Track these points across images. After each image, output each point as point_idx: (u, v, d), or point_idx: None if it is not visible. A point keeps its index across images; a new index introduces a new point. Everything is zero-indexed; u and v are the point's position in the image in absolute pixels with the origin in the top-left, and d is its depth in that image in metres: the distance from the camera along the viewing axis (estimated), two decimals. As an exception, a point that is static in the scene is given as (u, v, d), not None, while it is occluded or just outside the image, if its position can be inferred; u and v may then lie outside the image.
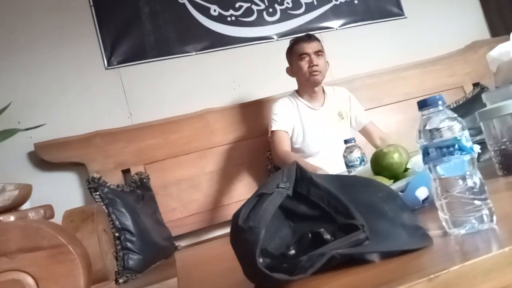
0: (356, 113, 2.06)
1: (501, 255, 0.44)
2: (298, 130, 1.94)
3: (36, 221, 1.09)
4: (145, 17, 2.25)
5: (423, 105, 0.57)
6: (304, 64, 1.89)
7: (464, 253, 0.49)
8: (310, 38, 1.92)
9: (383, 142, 1.99)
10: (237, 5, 2.39)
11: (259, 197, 0.57)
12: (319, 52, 1.91)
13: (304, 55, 1.90)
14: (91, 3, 2.18)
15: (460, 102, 2.40)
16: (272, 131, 1.92)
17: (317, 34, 2.12)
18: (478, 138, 1.27)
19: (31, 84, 2.05)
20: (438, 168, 0.55)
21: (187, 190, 2.07)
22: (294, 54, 1.94)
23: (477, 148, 0.86)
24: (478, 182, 0.54)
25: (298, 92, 2.02)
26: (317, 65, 1.88)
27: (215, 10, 2.36)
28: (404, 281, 0.42)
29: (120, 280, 1.55)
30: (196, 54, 2.31)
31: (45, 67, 2.08)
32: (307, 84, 1.95)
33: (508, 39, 1.22)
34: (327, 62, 1.98)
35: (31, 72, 2.06)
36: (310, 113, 1.97)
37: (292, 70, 1.98)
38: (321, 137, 1.95)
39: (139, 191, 1.90)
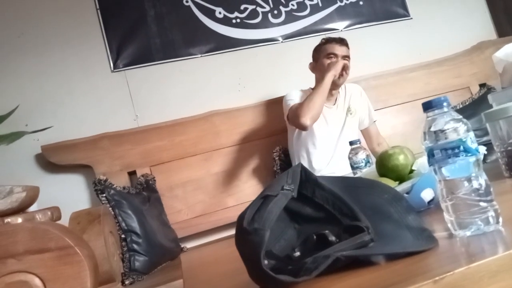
0: (364, 111, 2.07)
1: (507, 257, 0.44)
2: None
3: (43, 223, 1.10)
4: (151, 20, 2.26)
5: (428, 106, 0.57)
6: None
7: (469, 255, 0.49)
8: (342, 41, 1.95)
9: (380, 148, 2.00)
10: (242, 7, 2.40)
11: (264, 199, 0.57)
12: (346, 58, 1.94)
13: (332, 56, 1.92)
14: (97, 7, 2.20)
15: (467, 103, 2.38)
16: (290, 107, 1.90)
17: (322, 35, 2.12)
18: (484, 139, 1.27)
19: (38, 87, 2.07)
20: (443, 169, 0.55)
21: (192, 192, 2.08)
22: (322, 51, 1.95)
23: (482, 149, 0.86)
24: (483, 183, 0.54)
25: None
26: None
27: (220, 13, 2.37)
28: (409, 283, 0.42)
29: (126, 282, 1.56)
30: (201, 56, 2.31)
31: (52, 70, 2.10)
32: None
33: (515, 40, 1.21)
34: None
35: (38, 75, 2.08)
36: (323, 111, 1.98)
37: (316, 66, 1.99)
38: (330, 134, 1.97)
39: (145, 193, 1.91)
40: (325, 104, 1.99)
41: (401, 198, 0.65)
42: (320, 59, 1.95)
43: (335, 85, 1.94)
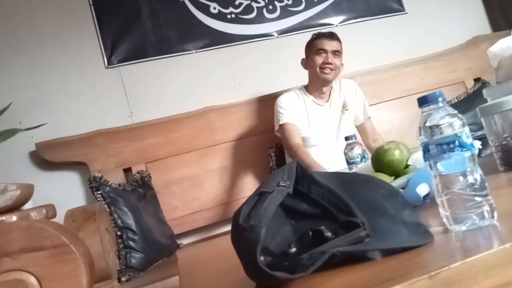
0: (359, 107, 2.07)
1: (502, 252, 0.44)
2: (303, 123, 1.95)
3: (38, 221, 1.09)
4: (145, 16, 2.24)
5: (423, 102, 0.57)
6: (319, 59, 1.91)
7: (465, 250, 0.49)
8: (332, 36, 1.94)
9: (376, 144, 2.00)
10: (236, 2, 2.39)
11: (259, 196, 0.57)
12: (337, 52, 1.93)
13: (322, 51, 1.91)
14: (91, 2, 2.18)
15: (461, 98, 2.39)
16: (281, 125, 1.92)
17: (316, 30, 2.11)
18: (479, 133, 1.27)
19: (32, 84, 2.05)
20: (438, 164, 0.55)
21: (188, 189, 2.08)
22: (312, 47, 1.95)
23: (477, 144, 0.86)
24: (478, 178, 0.54)
25: (307, 88, 2.03)
26: (331, 64, 1.90)
27: (214, 8, 2.35)
28: (405, 278, 0.42)
29: (123, 279, 1.56)
30: (196, 52, 2.30)
31: (46, 67, 2.08)
32: (317, 80, 1.96)
33: (509, 34, 1.21)
34: (342, 64, 1.98)
35: (32, 72, 2.06)
36: (316, 109, 1.98)
37: (307, 62, 1.99)
38: (325, 131, 1.97)
39: (140, 190, 1.90)
40: (317, 102, 1.99)
41: (396, 193, 0.65)
42: (311, 55, 1.95)
43: (325, 82, 1.94)
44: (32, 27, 2.09)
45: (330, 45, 1.91)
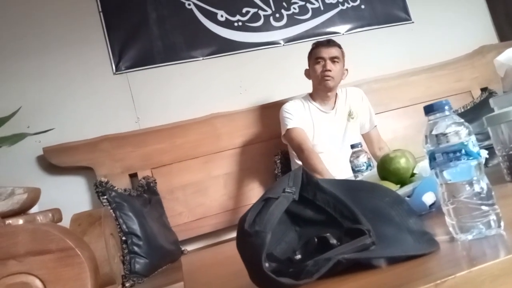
0: (366, 115, 2.07)
1: (508, 261, 0.44)
2: (309, 131, 1.95)
3: (44, 225, 1.10)
4: (153, 23, 2.26)
5: (429, 110, 0.57)
6: (318, 68, 1.92)
7: (471, 259, 0.49)
8: (329, 43, 1.94)
9: (382, 152, 2.00)
10: (244, 10, 2.41)
11: (265, 202, 0.57)
12: (335, 59, 1.92)
13: (320, 59, 1.92)
14: (100, 9, 2.21)
15: (468, 107, 2.38)
16: (288, 129, 1.91)
17: (323, 39, 2.12)
18: (486, 143, 1.27)
19: (40, 89, 2.07)
20: (444, 173, 0.55)
21: (193, 195, 2.08)
22: (312, 57, 1.97)
23: (484, 153, 0.86)
24: (485, 187, 0.54)
25: (312, 96, 2.03)
26: (329, 71, 1.90)
27: (222, 16, 2.37)
28: (410, 287, 0.42)
29: (127, 284, 1.56)
30: (203, 59, 2.32)
31: (54, 72, 2.10)
32: (319, 88, 1.97)
33: (516, 44, 1.21)
34: (346, 69, 1.99)
35: (41, 77, 2.08)
36: (321, 116, 1.98)
37: (309, 72, 2.00)
38: (330, 138, 1.97)
39: (146, 195, 1.91)
40: (321, 109, 1.99)
41: (402, 201, 0.65)
42: (311, 65, 1.96)
43: (328, 89, 1.94)
44: (41, 33, 2.12)
45: (327, 52, 1.91)
